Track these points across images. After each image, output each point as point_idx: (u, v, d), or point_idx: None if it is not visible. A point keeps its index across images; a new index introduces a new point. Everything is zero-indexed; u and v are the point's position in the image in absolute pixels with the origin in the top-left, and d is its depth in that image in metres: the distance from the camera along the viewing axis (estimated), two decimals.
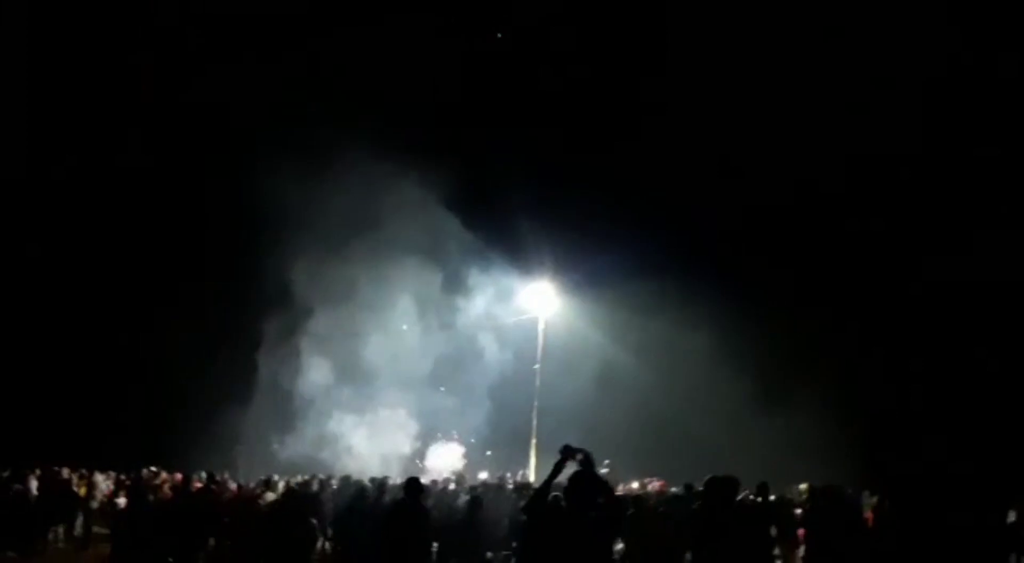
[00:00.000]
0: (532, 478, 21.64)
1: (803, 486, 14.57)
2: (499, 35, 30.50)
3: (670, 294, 27.21)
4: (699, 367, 27.47)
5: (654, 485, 17.68)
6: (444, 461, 26.95)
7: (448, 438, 28.28)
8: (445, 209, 28.48)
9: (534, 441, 27.11)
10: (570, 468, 5.93)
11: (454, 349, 28.70)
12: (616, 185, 30.87)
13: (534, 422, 27.43)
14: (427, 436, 28.40)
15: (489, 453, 27.90)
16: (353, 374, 28.06)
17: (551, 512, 6.03)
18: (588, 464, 5.80)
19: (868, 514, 13.14)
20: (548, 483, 5.98)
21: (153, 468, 21.75)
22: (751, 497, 11.46)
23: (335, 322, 28.39)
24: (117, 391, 29.55)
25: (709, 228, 29.81)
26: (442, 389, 28.52)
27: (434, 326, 29.11)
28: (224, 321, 29.92)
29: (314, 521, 10.01)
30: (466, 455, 27.85)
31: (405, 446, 27.75)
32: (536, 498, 6.11)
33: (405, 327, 28.88)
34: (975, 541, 8.65)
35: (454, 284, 29.26)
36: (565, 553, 5.53)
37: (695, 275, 27.81)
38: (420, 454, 27.93)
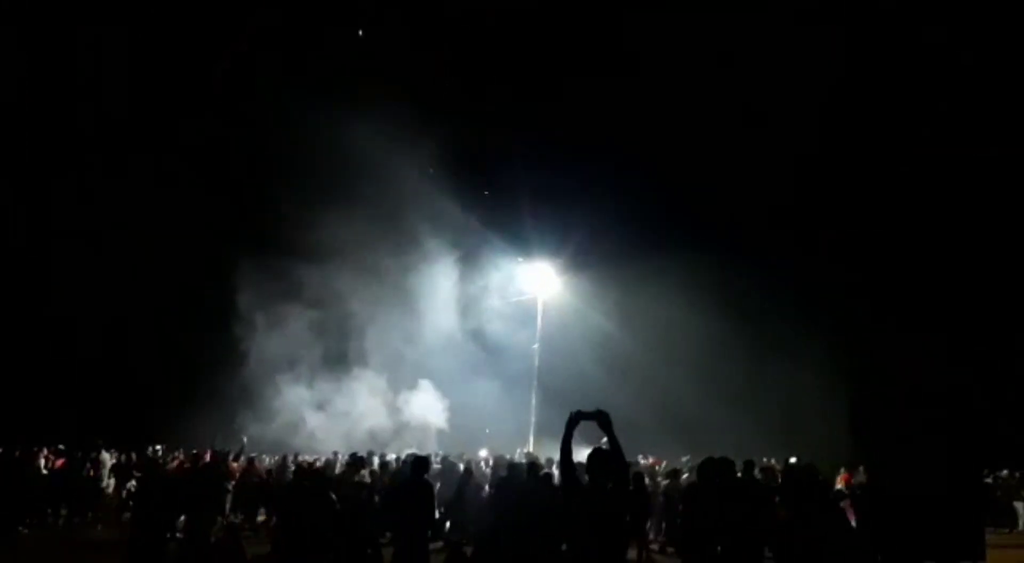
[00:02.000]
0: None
1: (793, 460, 15.07)
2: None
3: (670, 272, 27.45)
4: (699, 344, 27.88)
5: (647, 461, 18.14)
6: (424, 414, 27.41)
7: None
8: (445, 191, 28.71)
9: (533, 419, 27.52)
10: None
11: (478, 332, 29.09)
12: (612, 163, 31.10)
13: (532, 401, 27.82)
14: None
15: (488, 430, 28.23)
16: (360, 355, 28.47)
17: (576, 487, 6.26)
18: (606, 424, 6.06)
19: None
20: (567, 445, 6.19)
21: (158, 446, 22.24)
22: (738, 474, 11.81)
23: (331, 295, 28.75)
24: (113, 372, 29.43)
25: (708, 204, 30.00)
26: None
27: (450, 308, 29.39)
28: (213, 295, 29.83)
29: (334, 496, 10.33)
30: (448, 408, 27.92)
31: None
32: (565, 467, 6.28)
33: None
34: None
35: (459, 266, 29.53)
36: (595, 525, 5.79)
37: (695, 252, 28.04)
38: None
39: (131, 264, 28.19)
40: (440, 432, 27.54)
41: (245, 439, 17.61)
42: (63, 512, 18.03)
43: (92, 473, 19.09)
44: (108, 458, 20.60)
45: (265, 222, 28.94)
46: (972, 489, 9.52)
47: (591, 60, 31.79)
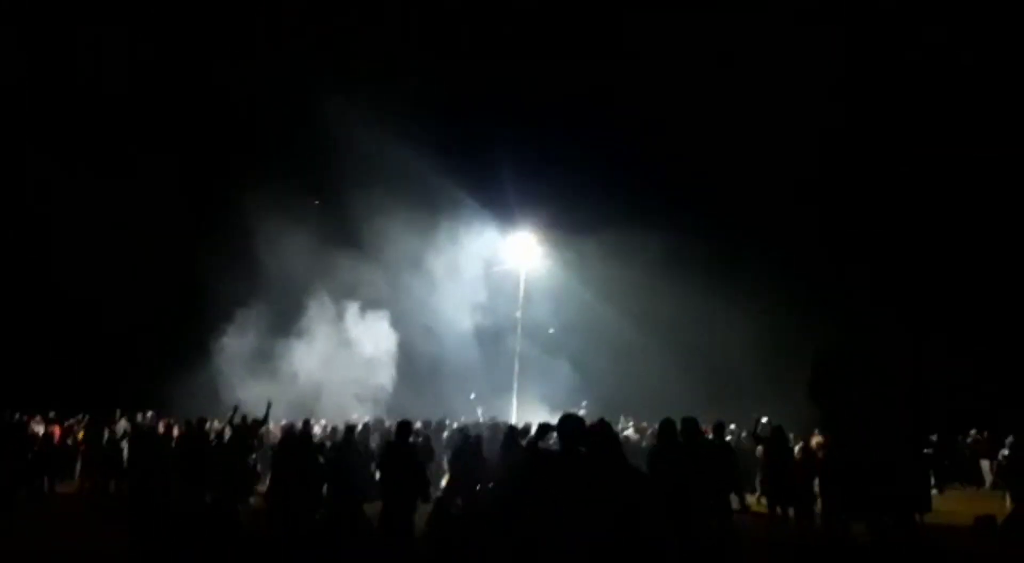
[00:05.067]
0: (514, 420, 22.58)
1: (764, 420, 15.67)
2: None
3: (650, 242, 27.89)
4: (674, 311, 28.42)
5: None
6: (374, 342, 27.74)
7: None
8: (428, 161, 28.93)
9: (516, 386, 28.14)
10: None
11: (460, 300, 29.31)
12: (595, 134, 31.32)
13: (515, 367, 28.43)
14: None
15: (473, 396, 28.71)
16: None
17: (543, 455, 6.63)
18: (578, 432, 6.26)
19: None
20: (536, 441, 6.64)
21: (149, 413, 22.62)
22: (708, 436, 12.33)
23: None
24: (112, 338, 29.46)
25: (689, 176, 30.29)
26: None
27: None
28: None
29: (321, 459, 10.82)
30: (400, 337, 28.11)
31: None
32: (530, 447, 6.75)
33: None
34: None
35: (439, 235, 29.80)
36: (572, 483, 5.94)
37: (674, 223, 28.47)
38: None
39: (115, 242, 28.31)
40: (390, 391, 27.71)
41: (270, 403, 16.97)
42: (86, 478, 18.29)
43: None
44: (125, 425, 20.99)
45: (234, 191, 29.18)
46: (920, 453, 10.30)
47: (577, 31, 31.92)
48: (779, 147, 28.27)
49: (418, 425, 17.85)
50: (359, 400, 26.12)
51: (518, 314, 29.06)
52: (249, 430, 15.41)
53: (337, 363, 27.76)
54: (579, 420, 6.18)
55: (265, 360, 27.70)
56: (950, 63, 27.21)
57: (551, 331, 29.62)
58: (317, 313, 28.66)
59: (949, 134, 27.43)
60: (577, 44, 31.72)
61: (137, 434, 17.34)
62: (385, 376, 27.72)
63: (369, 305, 28.71)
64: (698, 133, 28.99)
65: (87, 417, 20.89)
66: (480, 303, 29.27)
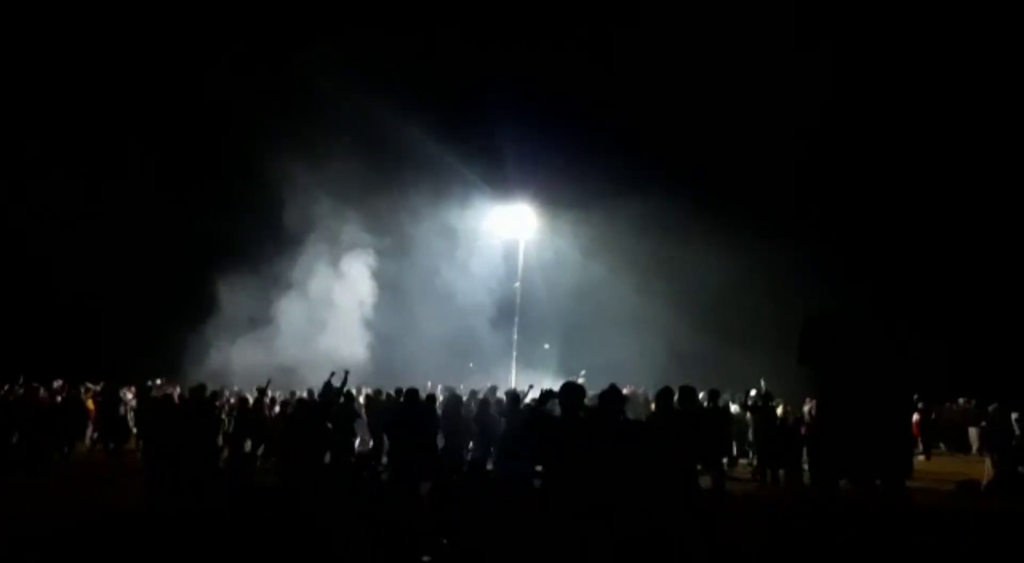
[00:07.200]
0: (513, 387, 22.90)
1: (752, 392, 16.17)
2: None
3: (646, 213, 28.06)
4: (672, 278, 28.80)
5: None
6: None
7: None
8: (427, 133, 29.08)
9: (515, 354, 28.53)
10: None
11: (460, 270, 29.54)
12: (593, 106, 31.34)
13: (515, 336, 28.81)
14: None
15: (472, 364, 29.07)
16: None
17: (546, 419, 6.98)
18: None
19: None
20: (540, 405, 6.99)
21: (159, 380, 23.00)
22: (706, 404, 12.77)
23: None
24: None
25: (685, 147, 30.41)
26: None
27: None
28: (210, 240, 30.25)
29: (329, 425, 11.21)
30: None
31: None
32: (534, 411, 7.12)
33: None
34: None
35: (441, 206, 30.00)
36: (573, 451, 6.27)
37: (670, 194, 28.62)
38: None
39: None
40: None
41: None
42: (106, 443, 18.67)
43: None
44: (129, 395, 21.33)
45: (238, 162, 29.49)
46: (904, 419, 10.79)
47: (575, 7, 31.84)
48: (769, 119, 28.48)
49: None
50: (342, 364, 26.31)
51: (517, 285, 29.37)
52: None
53: (324, 323, 28.21)
54: (579, 388, 6.57)
55: (256, 322, 28.14)
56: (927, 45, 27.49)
57: (546, 347, 30.05)
58: (306, 274, 29.03)
59: (927, 101, 27.78)
60: (575, 20, 31.71)
61: (147, 401, 17.66)
62: (362, 344, 28.07)
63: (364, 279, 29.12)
64: (692, 105, 29.14)
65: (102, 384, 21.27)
66: (480, 273, 29.57)
